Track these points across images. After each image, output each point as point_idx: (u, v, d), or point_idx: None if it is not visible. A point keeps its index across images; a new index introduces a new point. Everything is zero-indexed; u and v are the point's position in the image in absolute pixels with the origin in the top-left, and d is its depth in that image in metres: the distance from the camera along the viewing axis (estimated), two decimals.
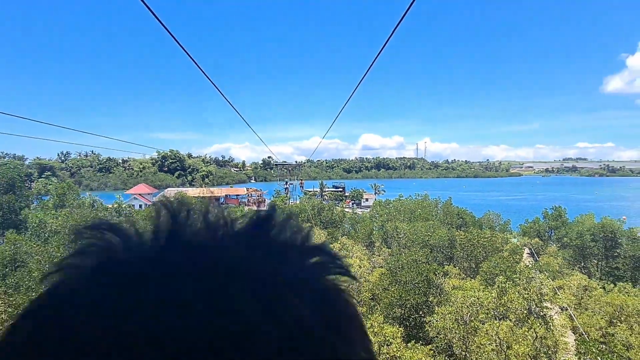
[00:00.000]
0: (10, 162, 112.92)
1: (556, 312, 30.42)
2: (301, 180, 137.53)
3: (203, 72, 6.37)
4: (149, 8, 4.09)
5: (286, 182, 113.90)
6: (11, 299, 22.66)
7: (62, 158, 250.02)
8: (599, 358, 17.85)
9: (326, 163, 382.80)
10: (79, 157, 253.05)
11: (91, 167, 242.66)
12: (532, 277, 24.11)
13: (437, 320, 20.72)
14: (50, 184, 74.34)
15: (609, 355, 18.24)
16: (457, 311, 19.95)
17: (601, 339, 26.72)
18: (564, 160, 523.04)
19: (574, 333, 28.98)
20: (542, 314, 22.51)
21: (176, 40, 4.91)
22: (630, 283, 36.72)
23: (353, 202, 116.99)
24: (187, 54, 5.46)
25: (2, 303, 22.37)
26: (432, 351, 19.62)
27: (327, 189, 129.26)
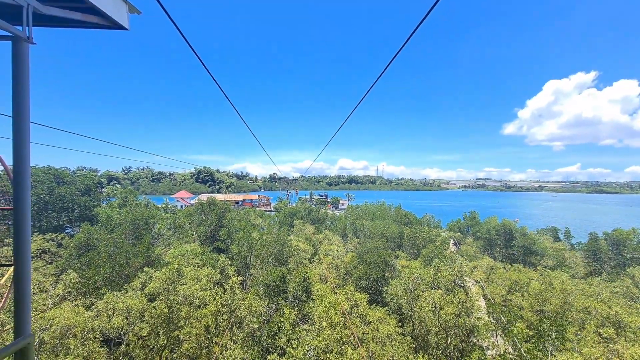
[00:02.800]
0: (87, 173, 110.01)
1: (472, 284, 30.58)
2: (296, 190, 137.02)
3: (240, 116, 6.37)
4: (205, 67, 4.13)
5: (287, 191, 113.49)
6: (84, 272, 21.89)
7: (126, 171, 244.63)
8: (501, 315, 17.96)
9: (314, 178, 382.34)
10: (137, 170, 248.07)
11: (146, 178, 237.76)
12: (456, 260, 24.30)
13: (391, 290, 20.61)
14: (116, 190, 72.57)
15: (508, 313, 18.33)
16: (405, 283, 19.89)
17: (502, 303, 26.96)
18: (476, 179, 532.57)
19: (484, 299, 29.12)
20: (462, 285, 22.63)
21: (223, 92, 4.92)
22: (522, 264, 37.21)
23: (333, 206, 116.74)
24: (230, 102, 5.49)
25: (77, 275, 21.62)
26: (387, 311, 19.50)
27: (314, 197, 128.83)
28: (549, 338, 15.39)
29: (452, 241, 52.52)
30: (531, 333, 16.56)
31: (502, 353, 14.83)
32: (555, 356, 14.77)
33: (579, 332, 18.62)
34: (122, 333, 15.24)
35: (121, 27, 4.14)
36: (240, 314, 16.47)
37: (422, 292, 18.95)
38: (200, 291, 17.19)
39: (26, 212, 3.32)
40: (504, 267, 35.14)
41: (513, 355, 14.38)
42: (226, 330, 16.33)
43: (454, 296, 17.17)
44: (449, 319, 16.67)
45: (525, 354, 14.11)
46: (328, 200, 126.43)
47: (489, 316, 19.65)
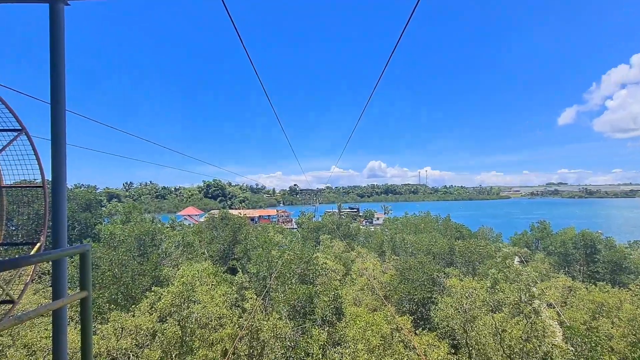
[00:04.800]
0: (87, 189, 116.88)
1: (544, 308, 29.32)
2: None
3: (278, 118, 7.01)
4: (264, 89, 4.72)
5: (313, 204, 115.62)
6: None
7: (126, 187, 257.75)
8: (584, 341, 17.22)
9: (342, 189, 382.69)
10: (140, 186, 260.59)
11: (149, 194, 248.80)
12: (521, 272, 23.56)
13: (440, 310, 20.41)
14: (118, 207, 76.88)
15: (593, 345, 17.51)
16: (457, 301, 19.64)
17: (585, 332, 25.63)
18: (547, 184, 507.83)
19: (561, 326, 27.83)
20: (532, 304, 21.89)
21: (264, 90, 5.54)
22: (609, 284, 35.27)
23: (366, 220, 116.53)
24: (270, 101, 6.08)
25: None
26: (437, 337, 19.30)
27: (344, 210, 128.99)
28: None
29: (516, 258, 50.65)
30: None
31: None
32: None
33: None
34: (130, 357, 16.20)
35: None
36: (264, 336, 16.99)
37: (479, 310, 18.63)
38: (216, 309, 17.94)
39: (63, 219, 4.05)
40: (586, 288, 33.44)
41: None
42: (246, 357, 16.89)
43: (520, 314, 16.79)
44: (515, 344, 16.28)
45: None
46: (360, 213, 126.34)
47: (566, 343, 18.87)
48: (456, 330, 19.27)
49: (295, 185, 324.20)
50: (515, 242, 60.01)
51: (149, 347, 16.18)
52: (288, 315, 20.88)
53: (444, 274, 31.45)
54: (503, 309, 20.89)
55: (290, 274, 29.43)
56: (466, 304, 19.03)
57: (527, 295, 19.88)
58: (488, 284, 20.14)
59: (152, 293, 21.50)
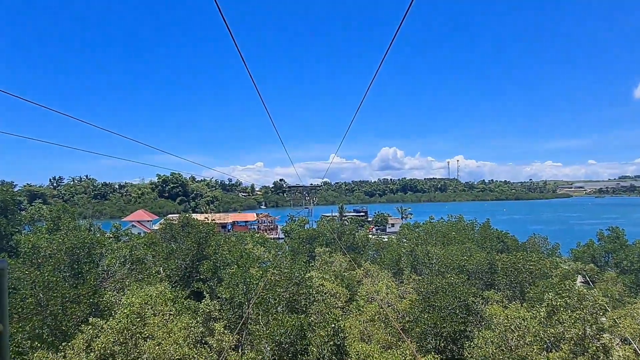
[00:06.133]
0: (2, 186, 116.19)
1: (617, 345, 29.48)
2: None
3: (263, 102, 6.87)
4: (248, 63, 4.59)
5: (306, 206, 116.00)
6: None
7: (55, 184, 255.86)
8: None
9: (345, 186, 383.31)
10: (72, 182, 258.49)
11: (85, 193, 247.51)
12: (586, 296, 23.62)
13: (478, 347, 20.49)
14: (43, 210, 76.47)
15: None
16: (500, 336, 19.72)
17: None
18: (620, 178, 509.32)
19: None
20: (600, 340, 22.05)
21: (246, 67, 5.41)
22: None
23: (377, 227, 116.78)
24: (248, 71, 5.94)
25: None
26: None
27: (347, 214, 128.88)
28: None
29: (579, 277, 51.03)
30: None
31: None
32: None
33: None
34: None
35: None
36: None
37: (529, 347, 18.74)
38: (175, 348, 17.93)
39: None
40: None
41: None
42: None
43: (586, 354, 16.90)
44: None
45: None
46: (369, 218, 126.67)
47: None
48: None
49: (281, 180, 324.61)
50: (578, 256, 60.34)
51: None
52: (272, 355, 20.94)
53: (482, 298, 31.65)
54: (562, 346, 20.98)
55: (275, 299, 29.50)
56: (512, 339, 19.12)
57: (593, 327, 19.96)
58: (542, 313, 20.19)
59: (90, 326, 21.44)
